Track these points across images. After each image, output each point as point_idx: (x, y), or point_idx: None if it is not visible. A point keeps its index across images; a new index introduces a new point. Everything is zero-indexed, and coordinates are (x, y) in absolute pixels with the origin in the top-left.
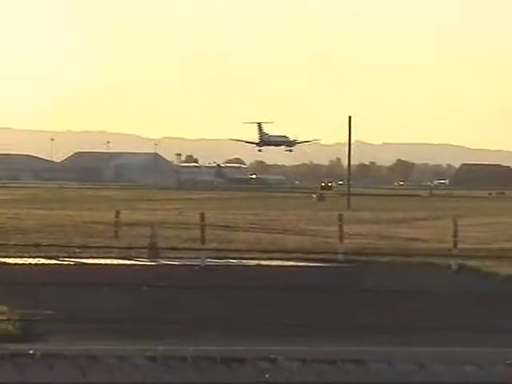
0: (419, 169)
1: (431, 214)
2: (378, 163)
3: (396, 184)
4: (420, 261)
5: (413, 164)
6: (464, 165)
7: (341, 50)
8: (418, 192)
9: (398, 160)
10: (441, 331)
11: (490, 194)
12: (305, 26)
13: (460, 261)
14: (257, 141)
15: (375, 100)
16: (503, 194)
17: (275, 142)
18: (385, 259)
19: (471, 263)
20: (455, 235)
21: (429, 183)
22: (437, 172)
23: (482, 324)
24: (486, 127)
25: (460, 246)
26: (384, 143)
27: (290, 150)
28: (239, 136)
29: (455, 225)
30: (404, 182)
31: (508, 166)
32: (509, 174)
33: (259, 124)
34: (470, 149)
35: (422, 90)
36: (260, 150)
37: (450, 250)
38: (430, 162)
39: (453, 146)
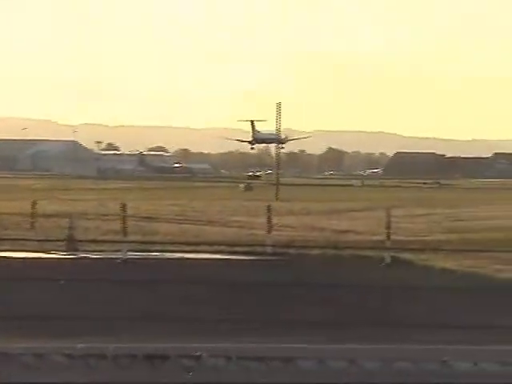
0: (351, 157)
1: (363, 205)
2: (308, 151)
3: (327, 173)
4: (352, 254)
5: (344, 152)
6: (397, 153)
7: (269, 35)
8: (350, 182)
9: (329, 148)
10: (374, 327)
11: (424, 183)
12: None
13: (393, 253)
14: (249, 139)
15: (306, 86)
16: (438, 183)
17: (268, 139)
18: (315, 252)
19: (405, 256)
20: (388, 227)
21: (361, 172)
22: (369, 161)
23: (417, 319)
24: (419, 115)
25: (393, 238)
26: (315, 131)
27: (283, 147)
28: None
29: (388, 216)
30: (335, 171)
31: (443, 155)
32: (443, 163)
33: (252, 122)
34: (403, 136)
35: (354, 77)
36: (252, 148)
37: (382, 242)
38: (363, 151)
39: (386, 133)
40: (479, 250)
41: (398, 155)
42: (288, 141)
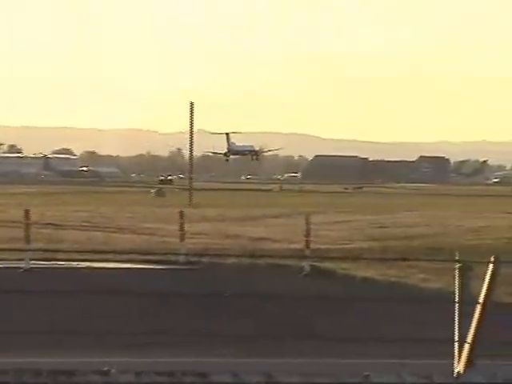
0: (269, 160)
1: (281, 211)
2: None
3: (243, 177)
4: (269, 263)
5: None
6: (317, 156)
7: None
8: (268, 186)
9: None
10: (293, 340)
11: (345, 188)
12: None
13: (313, 263)
14: (224, 151)
15: (220, 86)
16: (361, 188)
17: (242, 151)
18: (231, 261)
19: (325, 265)
20: (307, 234)
21: (279, 176)
22: (288, 164)
23: (338, 332)
24: (340, 116)
25: (313, 246)
26: (230, 132)
27: (257, 159)
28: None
29: (307, 223)
30: (252, 175)
31: (366, 158)
32: (366, 167)
33: (227, 134)
34: (322, 139)
35: (270, 76)
36: (227, 160)
37: (302, 250)
38: (281, 153)
39: (305, 135)
40: (403, 259)
41: (318, 158)
42: (262, 153)
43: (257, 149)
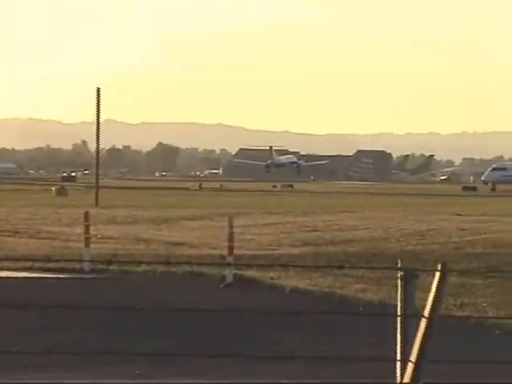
0: (186, 155)
1: (201, 212)
2: (134, 147)
3: (158, 174)
4: (187, 271)
5: (178, 148)
6: (242, 150)
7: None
8: (185, 184)
9: (160, 143)
10: (210, 358)
11: (274, 186)
12: None
13: (236, 271)
14: (266, 163)
15: (129, 71)
16: (291, 186)
17: (284, 164)
18: (142, 269)
19: (250, 274)
20: (230, 239)
21: (198, 173)
22: (208, 159)
23: (262, 349)
24: (268, 105)
25: (236, 252)
26: (143, 123)
27: (299, 171)
28: None
29: (230, 226)
30: (168, 171)
31: (297, 152)
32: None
33: (271, 147)
34: (248, 130)
35: (191, 62)
36: (268, 171)
37: (223, 257)
38: (200, 147)
39: (227, 126)
40: (339, 267)
41: (243, 152)
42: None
43: (298, 160)
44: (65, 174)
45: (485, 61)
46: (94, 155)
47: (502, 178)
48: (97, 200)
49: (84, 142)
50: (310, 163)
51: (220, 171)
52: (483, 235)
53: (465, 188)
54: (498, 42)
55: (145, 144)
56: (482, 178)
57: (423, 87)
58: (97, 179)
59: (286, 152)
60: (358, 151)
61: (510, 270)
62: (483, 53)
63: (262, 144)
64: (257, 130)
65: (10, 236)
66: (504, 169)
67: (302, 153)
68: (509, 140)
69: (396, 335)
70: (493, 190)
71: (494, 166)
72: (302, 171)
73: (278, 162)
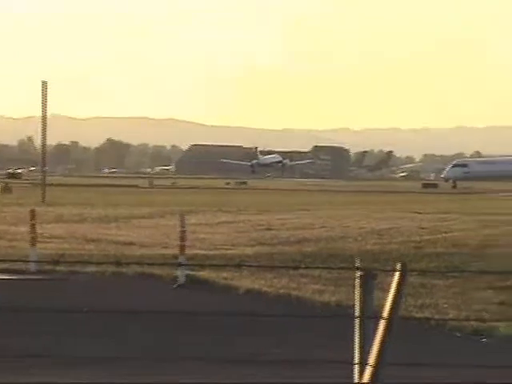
0: (137, 151)
1: (152, 211)
2: (82, 143)
3: (107, 171)
4: (137, 271)
5: (128, 144)
6: (194, 146)
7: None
8: (135, 181)
9: (108, 139)
10: (156, 362)
11: (227, 183)
12: None
13: (189, 271)
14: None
15: (79, 65)
16: (245, 183)
17: (269, 164)
18: (91, 269)
19: (203, 274)
20: (182, 238)
21: (149, 170)
22: (159, 155)
23: (214, 353)
24: (221, 101)
25: (189, 251)
26: (93, 117)
27: (283, 170)
28: None
29: (182, 224)
30: (117, 168)
31: (250, 148)
32: (253, 158)
33: (256, 148)
34: (201, 125)
35: (138, 54)
36: (253, 172)
37: (175, 257)
38: (151, 143)
39: (179, 121)
40: (294, 267)
41: (195, 148)
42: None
43: (284, 160)
44: (10, 171)
45: (446, 55)
46: (41, 151)
47: (462, 175)
48: (43, 198)
49: (30, 138)
50: (294, 162)
51: (172, 168)
52: (444, 234)
53: (425, 185)
54: (458, 35)
55: (93, 140)
56: (443, 175)
57: (382, 82)
58: (43, 176)
59: (268, 152)
60: (315, 147)
61: (471, 270)
62: (444, 47)
63: (217, 140)
64: (211, 125)
65: None
66: (465, 165)
67: (260, 149)
68: (470, 136)
69: (354, 337)
70: (454, 187)
71: (454, 162)
72: (287, 170)
73: (263, 162)
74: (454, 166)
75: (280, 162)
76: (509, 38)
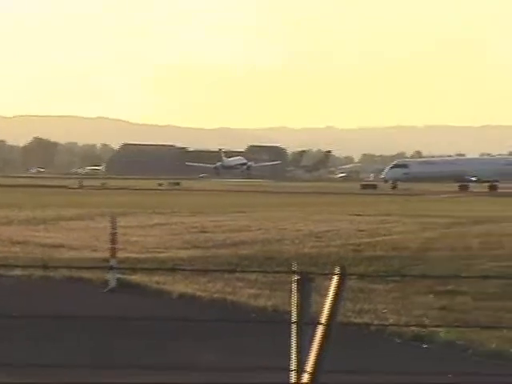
0: (65, 150)
1: (81, 212)
2: (8, 142)
3: (33, 171)
4: (66, 275)
5: (55, 143)
6: (125, 145)
7: None
8: (64, 182)
9: (35, 138)
10: (91, 369)
11: (160, 184)
12: None
13: (120, 275)
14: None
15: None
16: (178, 184)
17: (234, 166)
18: (17, 273)
19: (135, 278)
20: (113, 241)
21: (78, 170)
22: (89, 155)
23: (142, 360)
24: (151, 99)
25: (120, 255)
26: (16, 116)
27: (248, 172)
28: None
29: (113, 227)
30: (45, 168)
31: (184, 148)
32: (185, 158)
33: (220, 150)
34: (132, 124)
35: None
36: (218, 174)
37: (106, 260)
38: (80, 142)
39: (109, 119)
40: (230, 271)
41: (126, 148)
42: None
43: (248, 162)
44: None
45: (383, 54)
46: None
47: (402, 176)
48: None
49: None
50: (259, 164)
51: (102, 168)
52: (383, 237)
53: (364, 186)
54: (394, 36)
55: (20, 138)
56: (383, 176)
57: (320, 80)
58: None
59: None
60: (250, 146)
61: (411, 274)
62: (383, 46)
63: (148, 139)
64: (142, 123)
65: None
66: (405, 166)
67: (190, 148)
68: (411, 135)
69: (291, 343)
70: (393, 188)
71: (394, 163)
72: (186, 166)
73: (227, 164)
74: (394, 166)
75: (245, 163)
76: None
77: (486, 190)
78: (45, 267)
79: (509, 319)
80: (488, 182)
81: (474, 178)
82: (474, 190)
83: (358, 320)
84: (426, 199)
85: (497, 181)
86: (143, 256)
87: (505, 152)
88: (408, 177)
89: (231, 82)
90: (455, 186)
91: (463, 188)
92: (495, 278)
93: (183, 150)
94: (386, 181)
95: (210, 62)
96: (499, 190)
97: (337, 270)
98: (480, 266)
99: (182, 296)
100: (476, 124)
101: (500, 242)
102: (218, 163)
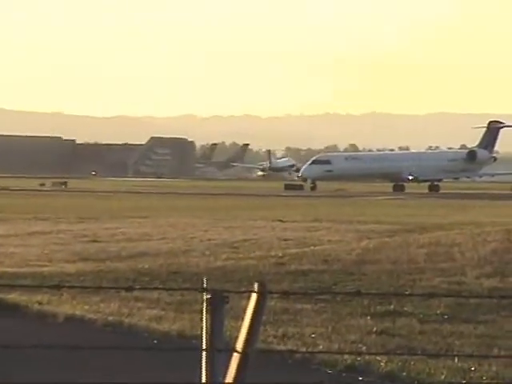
0: None
1: None
2: None
3: None
4: None
5: None
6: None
7: None
8: None
9: None
10: None
11: (41, 184)
12: None
13: None
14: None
15: None
16: (65, 184)
17: (282, 167)
18: None
19: (12, 297)
20: None
21: None
22: None
23: None
24: (35, 84)
25: None
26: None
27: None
28: None
29: None
30: None
31: (73, 140)
32: (74, 152)
33: (269, 151)
34: (8, 111)
35: None
36: (264, 176)
37: None
38: None
39: None
40: (126, 288)
41: (1, 139)
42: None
43: (295, 163)
44: None
45: (302, 39)
46: None
47: (324, 174)
48: None
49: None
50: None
51: None
52: (312, 247)
53: (288, 186)
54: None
55: None
56: (300, 174)
57: (229, 62)
58: None
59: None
60: (152, 138)
61: (345, 292)
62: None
63: (28, 129)
64: (20, 111)
65: None
66: (327, 162)
67: (79, 141)
68: (346, 125)
69: (200, 375)
70: (312, 188)
71: (314, 158)
72: (75, 161)
73: (275, 166)
74: (314, 162)
75: (293, 165)
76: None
77: (426, 190)
78: None
79: (460, 346)
80: (427, 181)
81: (410, 177)
82: (413, 191)
83: (280, 347)
84: (364, 201)
85: (439, 180)
86: (22, 270)
87: (457, 146)
88: (331, 175)
89: (127, 62)
90: (390, 186)
91: (398, 188)
92: (444, 297)
93: (72, 143)
94: (303, 179)
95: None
96: (442, 191)
97: (256, 286)
98: (426, 282)
99: (69, 319)
100: (422, 112)
101: (449, 253)
102: (265, 164)
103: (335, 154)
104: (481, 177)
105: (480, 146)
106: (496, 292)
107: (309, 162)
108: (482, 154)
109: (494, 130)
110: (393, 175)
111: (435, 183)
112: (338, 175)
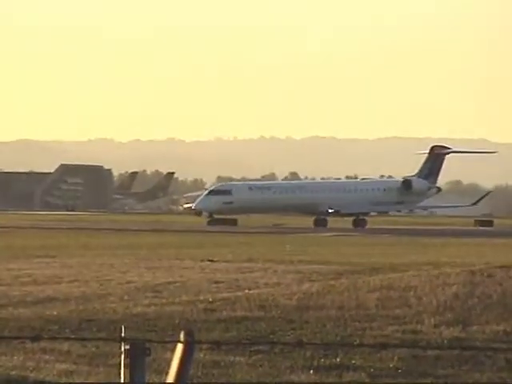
0: None
1: None
2: None
3: None
4: None
5: None
6: None
7: None
8: None
9: None
10: None
11: None
12: None
13: None
14: None
15: None
16: None
17: None
18: None
19: None
20: None
21: None
22: None
23: None
24: None
25: None
26: None
27: None
28: None
29: None
30: None
31: None
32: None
33: None
34: None
35: None
36: None
37: None
38: None
39: None
40: (32, 338)
41: None
42: None
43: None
44: None
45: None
46: None
47: (223, 206)
48: None
49: None
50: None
51: None
52: (246, 291)
53: (218, 221)
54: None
55: None
56: (193, 206)
57: (154, 78)
58: None
59: None
60: (62, 166)
61: (284, 342)
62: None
63: None
64: None
65: None
66: (227, 192)
67: None
68: (284, 150)
69: None
70: (210, 222)
71: (212, 187)
72: None
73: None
74: (211, 192)
75: None
76: None
77: (350, 225)
78: None
79: None
80: (352, 214)
81: (330, 210)
82: (337, 227)
83: None
84: (302, 239)
85: (366, 213)
86: None
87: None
88: (231, 207)
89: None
90: (310, 221)
91: (320, 223)
92: (398, 348)
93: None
94: (198, 213)
95: None
96: (368, 227)
97: (182, 336)
98: (378, 331)
99: None
100: (372, 136)
101: (404, 297)
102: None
103: (239, 183)
104: (426, 209)
105: (420, 174)
106: (457, 342)
107: (205, 193)
108: (419, 183)
109: (437, 156)
110: (308, 207)
111: (361, 217)
112: (239, 207)
